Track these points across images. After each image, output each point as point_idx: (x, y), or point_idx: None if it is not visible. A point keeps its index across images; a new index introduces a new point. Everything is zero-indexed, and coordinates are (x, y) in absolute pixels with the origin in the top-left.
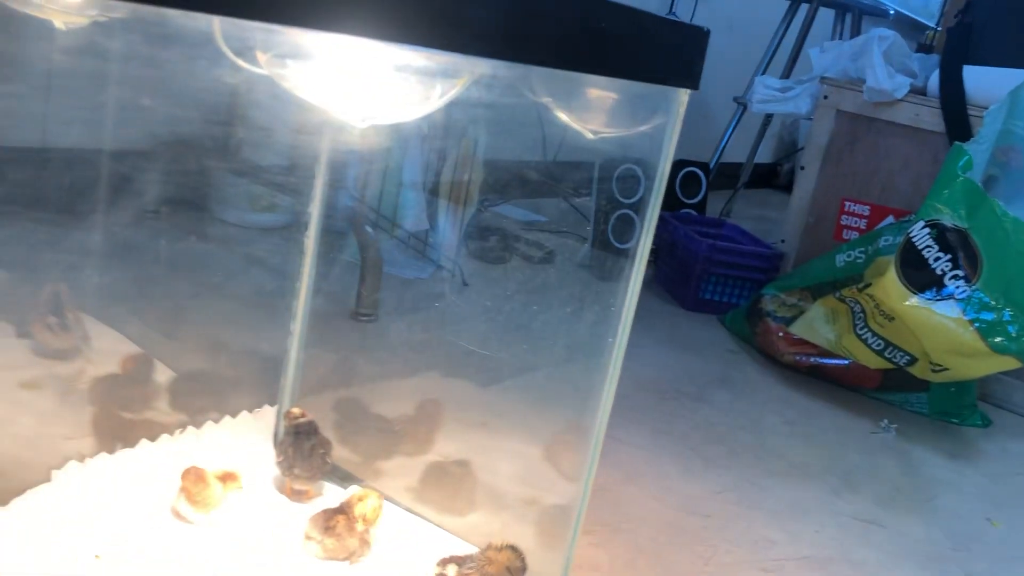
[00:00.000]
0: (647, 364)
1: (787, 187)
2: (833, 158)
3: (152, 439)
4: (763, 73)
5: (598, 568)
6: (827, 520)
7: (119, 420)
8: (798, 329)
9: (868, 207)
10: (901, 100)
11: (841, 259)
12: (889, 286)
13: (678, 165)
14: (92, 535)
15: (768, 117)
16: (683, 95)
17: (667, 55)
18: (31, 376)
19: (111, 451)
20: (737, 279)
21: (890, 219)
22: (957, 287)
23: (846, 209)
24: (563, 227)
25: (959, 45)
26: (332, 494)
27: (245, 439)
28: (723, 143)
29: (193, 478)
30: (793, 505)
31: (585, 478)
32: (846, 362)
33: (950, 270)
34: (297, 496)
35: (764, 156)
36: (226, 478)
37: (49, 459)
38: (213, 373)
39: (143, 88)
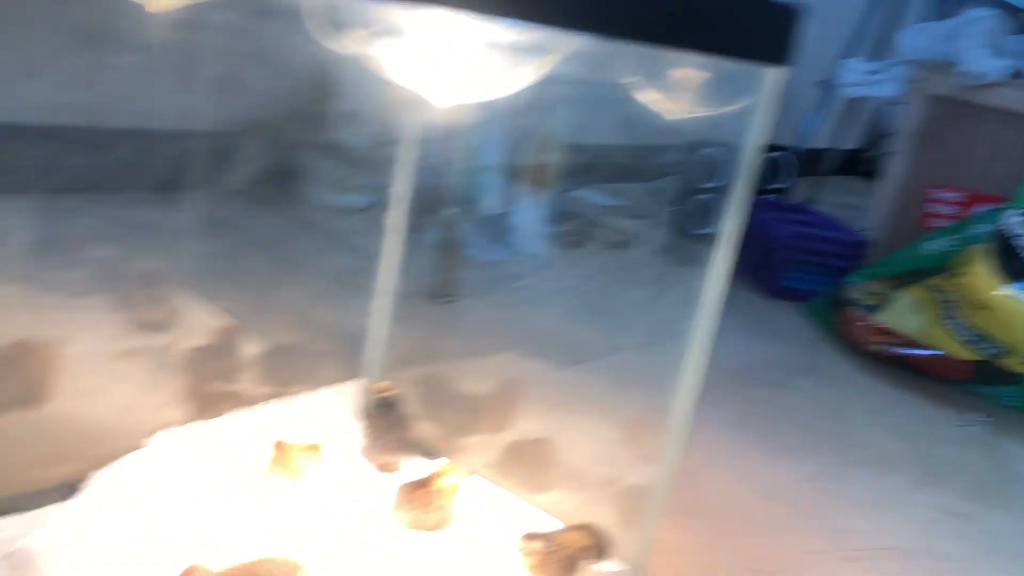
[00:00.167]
0: (728, 350)
1: (872, 174)
2: (923, 143)
3: (241, 409)
4: (850, 56)
5: (678, 550)
6: (912, 511)
7: (210, 390)
8: (884, 318)
9: (959, 194)
10: (997, 83)
11: (929, 247)
12: (980, 276)
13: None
14: (185, 500)
15: (854, 102)
16: (774, 74)
17: (758, 32)
18: (127, 347)
19: (202, 420)
20: (820, 267)
21: (982, 207)
22: None
23: (935, 196)
24: (643, 211)
25: None
26: (416, 466)
27: (331, 411)
28: (807, 128)
29: (281, 448)
30: (877, 495)
31: (667, 460)
32: (932, 352)
33: None
34: (382, 467)
35: (849, 142)
36: (312, 449)
37: (144, 426)
38: (300, 346)
39: (234, 69)
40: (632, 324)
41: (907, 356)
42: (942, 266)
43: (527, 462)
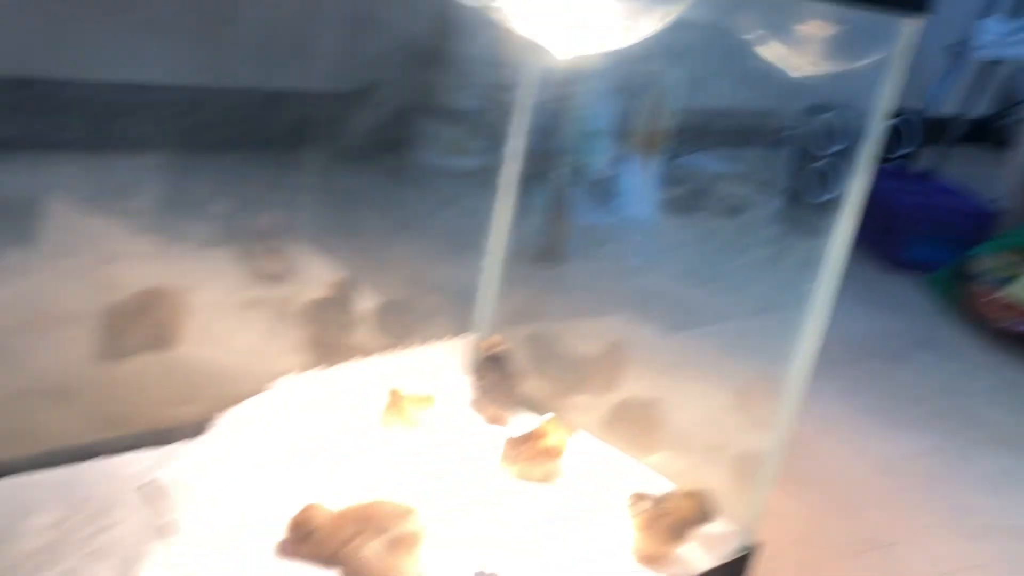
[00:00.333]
0: (845, 321)
1: (1003, 143)
2: None
3: (357, 359)
4: (987, 15)
5: (788, 518)
6: None
7: (327, 340)
8: (1012, 293)
9: None
10: None
11: None
12: None
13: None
14: (305, 442)
15: (987, 66)
16: (910, 25)
17: None
18: (250, 297)
19: (320, 368)
20: (944, 238)
21: None
22: None
23: None
24: (757, 178)
25: None
26: (524, 421)
27: (442, 364)
28: (934, 93)
29: (395, 397)
30: (998, 474)
31: (780, 428)
32: None
33: None
34: (491, 420)
35: (979, 109)
36: (425, 400)
37: (266, 372)
38: (413, 302)
39: (353, 29)
40: (745, 291)
41: None
42: None
43: (635, 422)
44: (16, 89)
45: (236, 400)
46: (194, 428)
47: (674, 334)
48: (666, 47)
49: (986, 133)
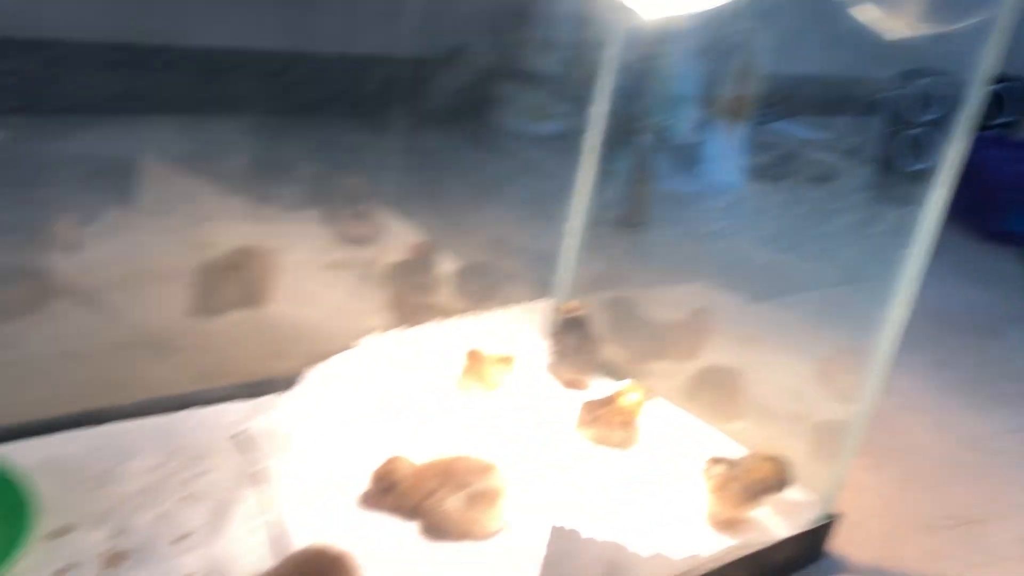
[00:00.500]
0: (935, 293)
1: None
2: None
3: (438, 320)
4: None
5: (868, 492)
6: None
7: (410, 301)
8: None
9: None
10: None
11: None
12: None
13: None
14: (389, 396)
15: None
16: None
17: None
18: (336, 258)
19: (403, 327)
20: None
21: None
22: None
23: None
24: (848, 145)
25: None
26: (601, 385)
27: (522, 327)
28: None
29: (475, 358)
30: None
31: (863, 400)
32: None
33: None
34: (569, 384)
35: None
36: (504, 361)
37: (353, 329)
38: (493, 265)
39: None
40: (831, 261)
41: None
42: None
43: (715, 390)
44: (115, 54)
45: (323, 356)
46: (284, 382)
47: (758, 303)
48: (755, 9)
49: None
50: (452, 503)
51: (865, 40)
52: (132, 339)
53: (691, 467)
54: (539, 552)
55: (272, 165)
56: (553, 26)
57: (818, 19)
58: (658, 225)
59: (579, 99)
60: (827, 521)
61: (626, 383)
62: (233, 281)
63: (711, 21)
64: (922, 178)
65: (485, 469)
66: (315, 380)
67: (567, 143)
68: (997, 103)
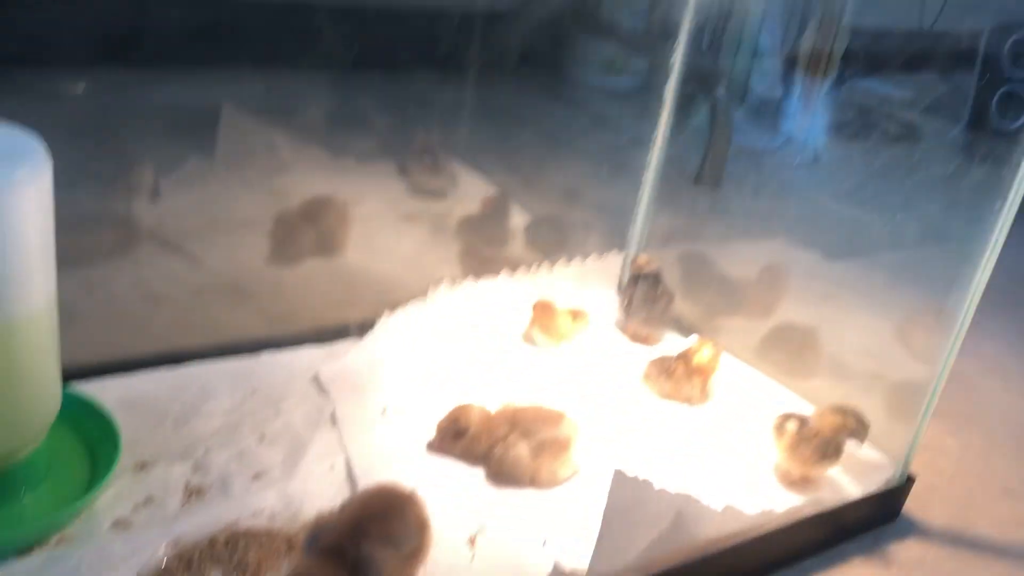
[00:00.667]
0: (1018, 254)
1: None
2: None
3: (509, 273)
4: None
5: (946, 454)
6: None
7: (481, 253)
8: None
9: None
10: None
11: None
12: None
13: None
14: (459, 346)
15: None
16: None
17: None
18: (409, 210)
19: (474, 279)
20: None
21: None
22: None
23: None
24: (934, 104)
25: None
26: (671, 342)
27: (592, 281)
28: None
29: (544, 310)
30: None
31: (941, 362)
32: None
33: None
34: (637, 339)
35: None
36: (575, 315)
37: (425, 279)
38: (565, 218)
39: None
40: (913, 220)
41: None
42: None
43: (788, 348)
44: (195, 9)
45: (395, 305)
46: (357, 329)
47: (835, 260)
48: None
49: None
50: (521, 450)
51: None
52: (211, 284)
53: (762, 424)
54: (607, 501)
55: (348, 117)
56: None
57: None
58: (734, 180)
59: (655, 52)
60: (902, 483)
61: (695, 339)
62: (308, 230)
63: None
64: (1015, 136)
65: (556, 418)
66: (387, 328)
67: (642, 97)
68: None
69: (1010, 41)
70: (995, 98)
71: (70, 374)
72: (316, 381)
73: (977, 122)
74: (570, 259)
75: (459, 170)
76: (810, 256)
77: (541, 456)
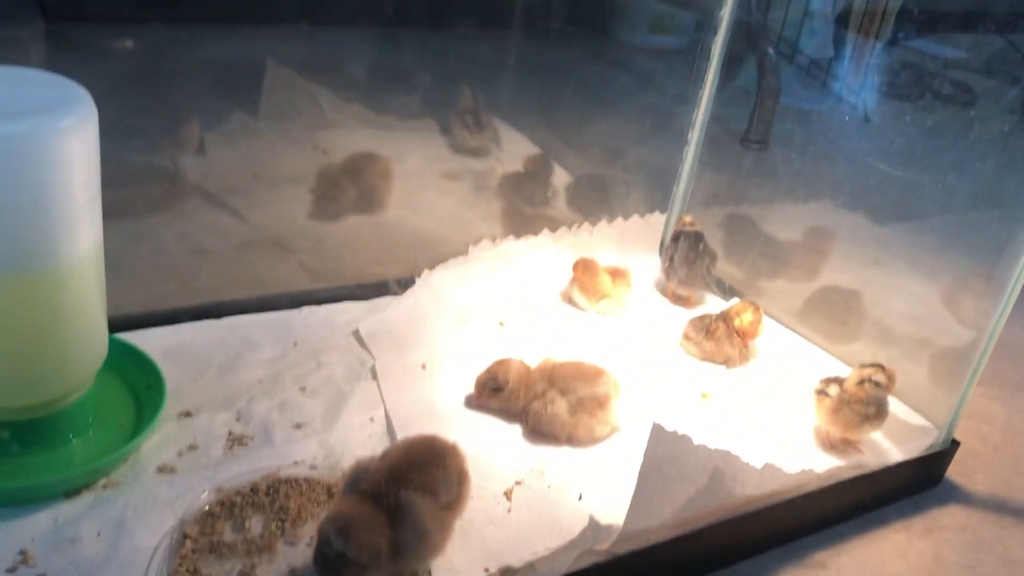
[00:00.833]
0: None
1: None
2: None
3: (550, 232)
4: None
5: (991, 421)
6: None
7: (523, 212)
8: None
9: None
10: None
11: None
12: None
13: None
14: (498, 304)
15: None
16: None
17: None
18: (451, 168)
19: (515, 237)
20: None
21: None
22: None
23: None
24: (992, 66)
25: None
26: (712, 304)
27: (633, 242)
28: None
29: (585, 268)
30: None
31: (988, 328)
32: None
33: None
34: (677, 300)
35: None
36: (616, 274)
37: (466, 237)
38: (607, 178)
39: None
40: (965, 185)
41: None
42: None
43: (831, 312)
44: None
45: (436, 262)
46: (398, 285)
47: (883, 224)
48: None
49: None
50: (559, 407)
51: None
52: (255, 238)
53: (802, 388)
54: (644, 455)
55: (391, 75)
56: None
57: None
58: (781, 142)
59: (703, 10)
60: (945, 448)
61: (735, 302)
62: (351, 187)
63: None
64: None
65: (595, 374)
66: (427, 284)
67: (688, 56)
68: None
69: None
70: None
71: (116, 325)
72: (357, 335)
73: None
74: (612, 219)
75: (502, 128)
76: (857, 219)
77: (579, 413)
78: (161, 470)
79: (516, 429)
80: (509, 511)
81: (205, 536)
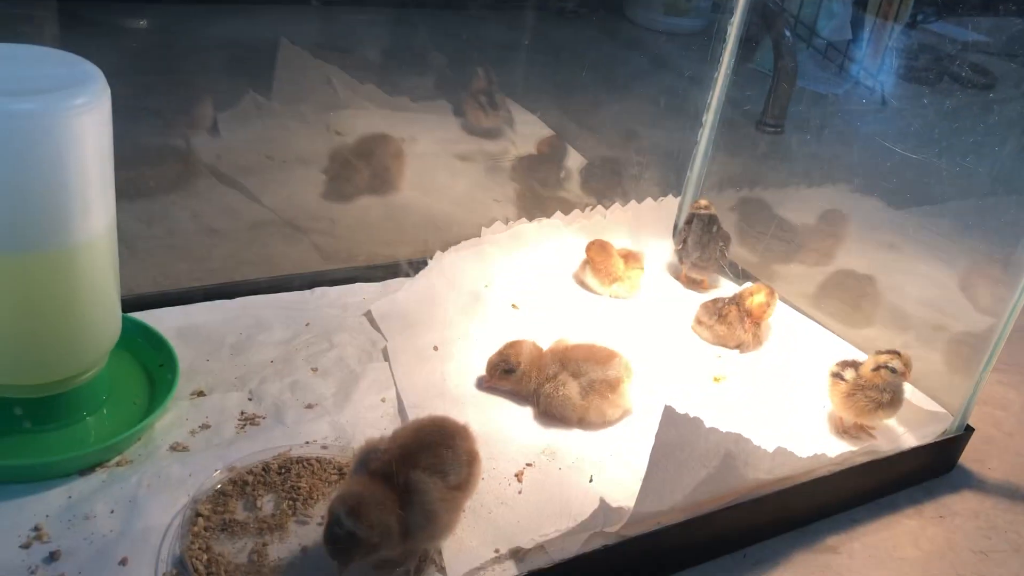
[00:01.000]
0: None
1: None
2: None
3: (563, 214)
4: None
5: (1006, 407)
6: None
7: (536, 194)
8: None
9: None
10: None
11: None
12: None
13: None
14: (511, 286)
15: None
16: None
17: None
18: (464, 149)
19: (528, 219)
20: None
21: None
22: None
23: None
24: (1012, 49)
25: None
26: (726, 288)
27: (647, 224)
28: None
29: (599, 250)
30: None
31: (1004, 314)
32: None
33: None
34: (690, 284)
35: None
36: (628, 256)
37: (478, 219)
38: (621, 161)
39: None
40: (982, 170)
41: None
42: None
43: (845, 296)
44: None
45: (448, 244)
46: (410, 266)
47: (899, 208)
48: None
49: None
50: (570, 390)
51: None
52: (267, 219)
53: (816, 372)
54: (656, 437)
55: (405, 55)
56: None
57: None
58: (797, 125)
59: None
60: (959, 434)
61: (748, 285)
62: (364, 167)
63: None
64: None
65: (607, 357)
66: (440, 266)
67: (703, 39)
68: None
69: None
70: None
71: (130, 305)
72: (369, 316)
73: None
74: (625, 202)
75: (515, 110)
76: (873, 203)
77: (590, 396)
78: (174, 448)
79: (527, 411)
80: (520, 493)
81: (217, 514)
